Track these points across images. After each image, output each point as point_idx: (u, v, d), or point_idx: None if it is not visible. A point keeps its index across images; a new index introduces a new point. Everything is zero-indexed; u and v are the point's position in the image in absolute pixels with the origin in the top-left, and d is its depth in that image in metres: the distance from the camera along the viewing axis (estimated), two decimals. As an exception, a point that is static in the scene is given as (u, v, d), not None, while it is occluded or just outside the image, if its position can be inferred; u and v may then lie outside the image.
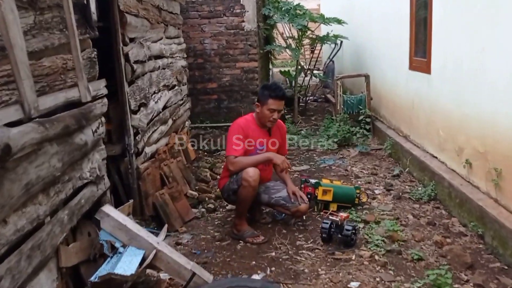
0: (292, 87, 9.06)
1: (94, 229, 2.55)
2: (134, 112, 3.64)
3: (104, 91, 2.76)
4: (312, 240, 3.63)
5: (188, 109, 5.85)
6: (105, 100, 2.77)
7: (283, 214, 4.02)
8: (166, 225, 2.98)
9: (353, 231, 3.45)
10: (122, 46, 3.37)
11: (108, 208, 2.50)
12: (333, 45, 9.71)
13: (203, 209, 4.28)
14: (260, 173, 3.57)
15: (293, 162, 6.02)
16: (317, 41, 8.84)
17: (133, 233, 2.47)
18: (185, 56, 5.88)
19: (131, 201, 2.98)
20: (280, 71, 11.18)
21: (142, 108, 3.89)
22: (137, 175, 3.66)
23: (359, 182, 5.08)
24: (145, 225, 3.70)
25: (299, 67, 10.01)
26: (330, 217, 3.49)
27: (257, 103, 3.74)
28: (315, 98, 10.96)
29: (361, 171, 5.52)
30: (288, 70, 10.98)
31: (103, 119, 2.75)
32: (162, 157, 4.30)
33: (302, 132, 7.48)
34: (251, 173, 3.47)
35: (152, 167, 3.95)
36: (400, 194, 4.65)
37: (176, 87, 5.30)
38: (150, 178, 3.82)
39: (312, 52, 10.54)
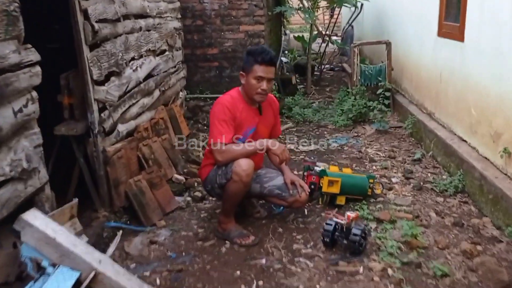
0: (306, 54, 8.27)
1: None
2: (99, 83, 2.99)
3: (34, 57, 2.10)
4: (312, 243, 3.00)
5: (182, 78, 5.18)
6: (37, 69, 2.12)
7: (282, 207, 3.39)
8: (119, 235, 2.37)
9: (362, 235, 2.81)
10: (79, 0, 2.70)
11: (32, 215, 1.89)
12: (353, 9, 8.85)
13: (189, 198, 3.67)
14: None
15: (300, 140, 5.35)
16: (335, 3, 7.96)
17: (64, 248, 1.87)
18: (179, 16, 5.16)
19: (75, 200, 2.37)
20: (294, 37, 10.36)
21: (113, 78, 3.24)
22: (103, 159, 3.05)
23: (374, 168, 4.41)
24: (114, 219, 3.12)
25: (315, 32, 9.21)
26: (335, 219, 2.84)
27: (241, 72, 3.05)
28: (331, 66, 10.14)
29: (376, 153, 4.82)
30: (303, 36, 10.16)
31: (34, 94, 2.11)
32: (142, 136, 3.68)
33: (314, 105, 6.76)
34: (244, 166, 2.83)
35: (127, 148, 3.33)
36: (421, 183, 3.97)
37: (167, 53, 4.62)
38: (122, 162, 3.21)
39: (331, 17, 9.69)
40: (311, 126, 5.93)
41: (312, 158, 4.50)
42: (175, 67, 4.89)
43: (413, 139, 5.24)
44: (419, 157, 4.57)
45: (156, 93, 4.21)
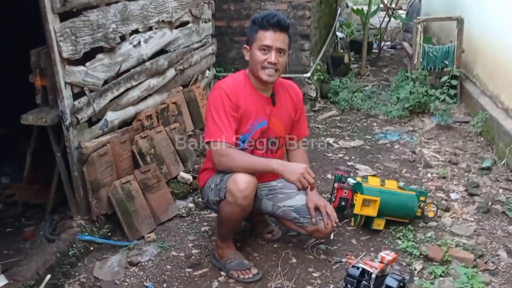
0: (363, 29, 7.31)
1: None
2: (74, 62, 2.38)
3: None
4: (332, 286, 2.29)
5: (210, 54, 4.49)
6: None
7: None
8: (47, 278, 1.76)
9: (400, 289, 2.06)
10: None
11: None
12: None
13: (192, 204, 3.03)
14: (257, 180, 2.25)
15: (343, 133, 4.54)
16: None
17: None
18: (210, -18, 4.43)
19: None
20: (353, 10, 9.32)
21: (100, 56, 2.62)
22: (78, 157, 2.46)
23: (428, 176, 3.56)
24: (91, 230, 2.55)
25: (376, 6, 8.16)
26: (361, 265, 2.09)
27: (245, 46, 2.35)
28: (393, 44, 9.05)
29: (434, 156, 3.95)
30: (362, 9, 9.09)
31: None
32: (142, 125, 3.06)
33: (367, 88, 5.87)
34: (242, 185, 2.15)
35: (115, 142, 2.73)
36: (489, 204, 3.10)
37: (190, 25, 3.94)
38: (105, 160, 2.61)
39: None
40: (359, 116, 5.08)
41: (350, 163, 3.72)
42: (200, 41, 4.20)
43: (482, 139, 4.28)
44: (489, 166, 3.66)
45: (170, 72, 3.56)
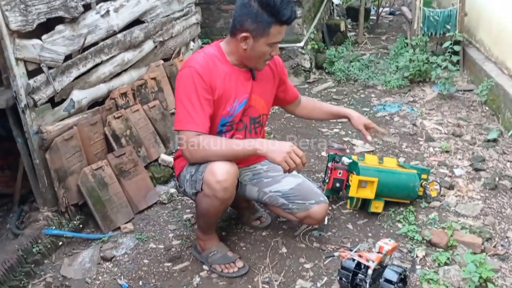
0: (360, -5, 6.94)
1: None
2: (26, 35, 2.08)
3: None
4: (325, 280, 2.06)
5: (195, 24, 4.17)
6: None
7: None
8: None
9: (399, 284, 1.83)
10: None
11: None
12: None
13: (173, 189, 2.79)
14: (239, 164, 1.99)
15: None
16: None
17: None
18: None
19: None
20: (348, -27, 8.88)
21: (60, 27, 2.32)
22: (39, 142, 2.20)
23: (430, 150, 3.30)
24: (60, 222, 2.31)
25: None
26: (357, 257, 1.85)
27: (243, 34, 1.92)
28: (391, 10, 8.66)
29: (436, 128, 3.68)
30: (359, -27, 8.66)
31: None
32: (116, 104, 2.79)
33: (365, 57, 5.54)
34: (221, 175, 1.88)
35: (83, 124, 2.46)
36: (496, 179, 2.85)
37: (169, -8, 3.61)
38: (72, 145, 2.35)
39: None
40: (356, 87, 4.78)
41: (347, 139, 3.47)
42: (182, 10, 3.88)
43: (487, 108, 4.01)
44: (495, 137, 3.39)
45: (148, 45, 3.26)
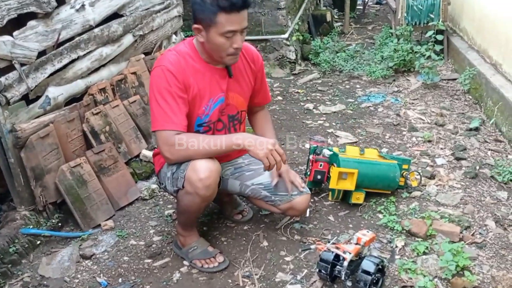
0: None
1: None
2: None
3: None
4: (305, 272, 2.06)
5: (176, 17, 4.12)
6: None
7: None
8: None
9: (376, 275, 1.83)
10: None
11: None
12: None
13: (155, 185, 2.77)
14: (220, 160, 1.99)
15: (323, 98, 4.26)
16: None
17: None
18: None
19: None
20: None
21: (33, 23, 2.28)
22: (13, 141, 2.17)
23: (413, 140, 3.32)
24: (37, 221, 2.28)
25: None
26: (334, 249, 1.85)
27: (195, 25, 1.89)
28: (378, 0, 8.65)
29: (420, 118, 3.69)
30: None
31: None
32: (94, 100, 2.75)
33: (350, 48, 5.53)
34: (203, 173, 1.86)
35: (60, 121, 2.43)
36: (477, 168, 2.87)
37: (148, -16, 3.56)
38: (49, 142, 2.32)
39: None
40: (341, 78, 4.78)
41: (330, 130, 3.47)
42: (163, 3, 3.83)
43: (470, 97, 4.03)
44: (477, 126, 3.41)
45: (127, 39, 3.22)
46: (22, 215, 2.25)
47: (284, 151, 1.94)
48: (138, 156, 2.94)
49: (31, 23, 2.26)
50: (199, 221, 2.37)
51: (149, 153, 2.94)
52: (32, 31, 2.26)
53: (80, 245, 2.28)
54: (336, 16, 7.39)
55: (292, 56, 4.99)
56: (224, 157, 2.13)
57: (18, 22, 2.19)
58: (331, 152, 2.51)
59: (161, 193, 2.73)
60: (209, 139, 1.91)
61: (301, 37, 5.27)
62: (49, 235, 2.26)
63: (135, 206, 2.63)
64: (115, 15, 3.11)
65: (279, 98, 4.30)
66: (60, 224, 2.37)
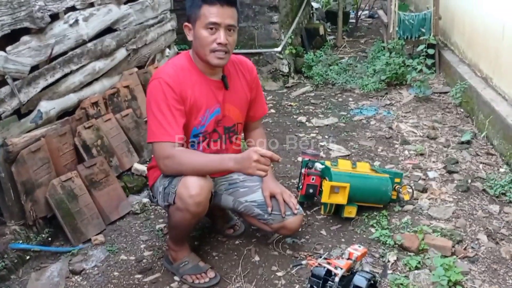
0: (338, -1, 6.99)
1: None
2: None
3: None
4: (297, 287, 2.05)
5: (170, 30, 4.14)
6: None
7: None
8: None
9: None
10: None
11: None
12: None
13: (146, 199, 2.76)
14: (214, 177, 2.00)
15: (316, 110, 4.28)
16: None
17: None
18: (165, -48, 4.05)
19: None
20: (327, -23, 8.96)
21: (26, 38, 2.28)
22: (4, 156, 2.16)
23: (405, 153, 3.33)
24: (27, 236, 2.26)
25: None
26: (325, 265, 1.84)
27: (186, 24, 1.99)
28: (370, 13, 8.75)
29: (412, 131, 3.72)
30: (338, -24, 8.74)
31: None
32: (86, 114, 2.75)
33: (343, 61, 5.58)
34: (193, 189, 1.86)
35: (52, 136, 2.42)
36: (469, 181, 2.89)
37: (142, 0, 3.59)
38: (40, 157, 2.31)
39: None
40: (334, 91, 4.81)
41: (323, 143, 3.48)
42: (156, 17, 3.86)
43: (462, 110, 4.07)
44: (468, 139, 3.44)
45: (120, 53, 3.23)
46: (11, 230, 2.23)
47: (278, 155, 1.91)
48: (129, 169, 2.93)
49: (25, 38, 2.26)
50: (190, 235, 2.35)
51: (141, 167, 2.93)
52: (25, 46, 2.26)
53: (70, 260, 2.26)
54: (329, 30, 7.47)
55: (285, 69, 5.02)
56: (219, 174, 2.14)
57: (12, 36, 2.19)
58: (323, 166, 2.52)
59: (153, 207, 2.72)
60: (202, 158, 1.92)
61: (294, 51, 5.31)
62: (39, 250, 2.24)
63: (126, 220, 2.61)
64: (109, 30, 3.12)
65: (272, 111, 4.31)
66: (50, 239, 2.35)
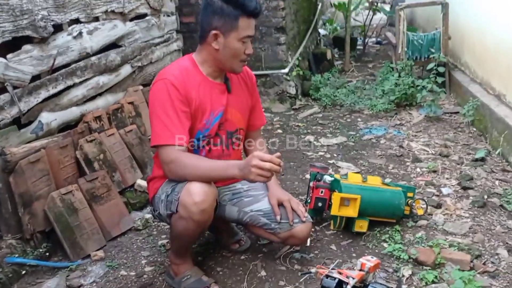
0: (345, 23, 7.02)
1: None
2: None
3: None
4: (305, 303, 1.92)
5: (176, 51, 4.14)
6: None
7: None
8: None
9: (384, 303, 1.70)
10: None
11: None
12: None
13: (149, 215, 2.66)
14: (217, 187, 1.92)
15: (324, 130, 4.20)
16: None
17: None
18: (172, -26, 4.10)
19: None
20: (334, 5, 9.06)
21: (28, 47, 2.26)
22: (2, 165, 2.09)
23: (417, 170, 3.22)
24: (24, 250, 2.17)
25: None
26: (336, 275, 1.72)
27: (214, 32, 1.88)
28: (378, 40, 8.77)
29: (423, 149, 3.61)
30: (344, 3, 8.83)
31: None
32: (89, 128, 2.70)
33: (351, 84, 5.54)
34: (198, 196, 1.77)
35: (53, 148, 2.36)
36: (485, 197, 2.76)
37: (148, 17, 3.60)
38: (39, 168, 2.24)
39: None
40: (342, 112, 4.74)
41: (332, 161, 3.38)
42: (163, 36, 3.86)
43: (474, 129, 3.96)
44: (483, 156, 3.32)
45: (125, 69, 3.21)
46: (8, 244, 2.14)
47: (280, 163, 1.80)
48: (132, 186, 2.85)
49: (26, 47, 2.24)
50: (194, 250, 2.25)
51: (144, 183, 2.84)
52: (27, 55, 2.23)
53: (67, 276, 2.15)
54: (336, 55, 7.47)
55: (293, 91, 4.98)
56: (222, 182, 2.06)
57: (13, 44, 2.17)
58: (332, 178, 2.41)
59: (155, 223, 2.62)
60: (206, 164, 1.84)
61: (301, 73, 5.28)
62: (35, 264, 2.14)
63: (128, 236, 2.51)
64: (114, 45, 3.11)
65: (279, 131, 4.24)
66: (48, 254, 2.25)
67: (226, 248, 2.33)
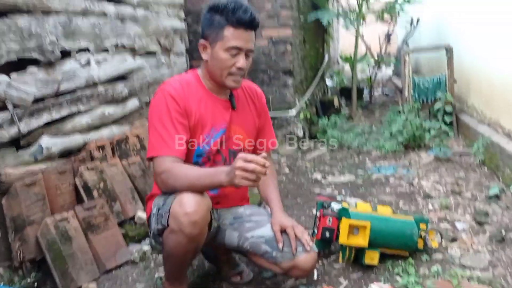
0: (352, 73, 7.08)
1: None
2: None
3: None
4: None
5: (183, 90, 4.14)
6: None
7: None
8: None
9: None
10: None
11: None
12: (408, 28, 7.78)
13: (147, 247, 2.53)
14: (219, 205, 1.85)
15: (332, 170, 4.10)
16: (387, 11, 6.73)
17: None
18: (183, 16, 4.19)
19: None
20: (340, 56, 9.23)
21: (33, 69, 2.25)
22: (-5, 186, 2.02)
23: (429, 207, 3.09)
24: (11, 280, 2.04)
25: (367, 53, 8.00)
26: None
27: (202, 42, 1.87)
28: (384, 92, 8.85)
29: (434, 187, 3.48)
30: (351, 57, 8.99)
31: None
32: (90, 156, 2.64)
33: (358, 127, 5.50)
34: (189, 207, 1.65)
35: (51, 172, 2.29)
36: (503, 232, 2.61)
37: (158, 55, 3.64)
38: (35, 192, 2.16)
39: (388, 40, 8.47)
40: (350, 153, 4.66)
41: (340, 198, 3.26)
42: (172, 75, 3.88)
43: (486, 168, 3.84)
44: (497, 193, 3.18)
45: (132, 102, 3.20)
46: (-4, 271, 2.02)
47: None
48: (133, 218, 2.74)
49: (32, 69, 2.23)
50: (193, 281, 2.10)
51: (145, 215, 2.74)
52: (31, 76, 2.22)
53: (57, 307, 2.01)
54: (343, 105, 7.50)
55: (300, 132, 4.94)
56: (222, 202, 1.96)
57: (19, 65, 2.16)
58: (340, 206, 2.30)
59: (154, 255, 2.48)
60: (196, 172, 1.73)
61: (308, 115, 5.27)
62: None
63: (124, 269, 2.37)
64: (123, 78, 3.11)
65: (287, 170, 4.15)
66: (36, 284, 2.12)
67: (227, 280, 2.18)
